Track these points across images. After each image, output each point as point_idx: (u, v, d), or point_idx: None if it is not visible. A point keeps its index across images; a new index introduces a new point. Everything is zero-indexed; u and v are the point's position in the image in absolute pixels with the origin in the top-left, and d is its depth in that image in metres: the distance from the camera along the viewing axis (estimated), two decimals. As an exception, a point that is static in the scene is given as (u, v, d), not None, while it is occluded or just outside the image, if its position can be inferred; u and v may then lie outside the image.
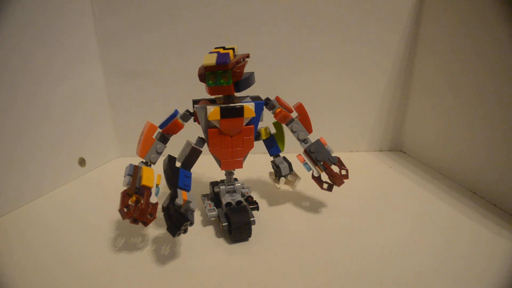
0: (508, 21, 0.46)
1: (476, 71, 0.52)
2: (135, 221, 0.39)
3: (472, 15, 0.52)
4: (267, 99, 0.45)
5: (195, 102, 0.43)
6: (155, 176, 0.41)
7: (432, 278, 0.36)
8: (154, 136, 0.42)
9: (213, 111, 0.40)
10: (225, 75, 0.39)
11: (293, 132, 0.46)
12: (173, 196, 0.38)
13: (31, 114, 0.53)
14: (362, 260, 0.39)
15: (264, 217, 0.48)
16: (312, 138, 0.47)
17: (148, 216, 0.39)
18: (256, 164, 0.59)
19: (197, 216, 0.49)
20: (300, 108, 0.46)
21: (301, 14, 0.63)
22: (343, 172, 0.47)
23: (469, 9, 0.52)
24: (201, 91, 0.42)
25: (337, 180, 0.46)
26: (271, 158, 0.50)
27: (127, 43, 0.63)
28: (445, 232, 0.44)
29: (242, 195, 0.48)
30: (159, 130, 0.42)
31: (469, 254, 0.40)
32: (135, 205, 0.39)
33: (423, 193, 0.55)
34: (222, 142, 0.42)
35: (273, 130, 0.48)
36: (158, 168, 0.42)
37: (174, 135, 0.43)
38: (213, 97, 0.43)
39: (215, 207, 0.46)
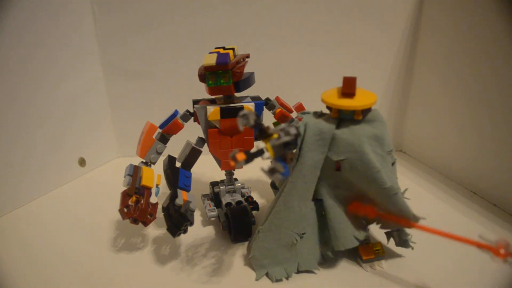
0: (504, 27, 0.46)
1: (475, 71, 0.52)
2: (135, 221, 0.39)
3: (470, 21, 0.52)
4: (267, 99, 0.45)
5: (195, 102, 0.43)
6: (155, 176, 0.41)
7: (431, 278, 0.36)
8: (154, 136, 0.42)
9: (213, 111, 0.40)
10: (225, 75, 0.39)
11: (293, 132, 0.46)
12: (173, 196, 0.38)
13: (31, 114, 0.53)
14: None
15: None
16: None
17: (148, 216, 0.39)
18: (256, 164, 0.59)
19: (197, 216, 0.49)
20: (300, 108, 0.46)
21: (301, 15, 0.63)
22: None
23: (467, 15, 0.52)
24: (201, 91, 0.42)
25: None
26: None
27: (127, 43, 0.63)
28: (445, 232, 0.44)
29: (242, 195, 0.48)
30: (159, 130, 0.42)
31: (468, 254, 0.40)
32: (135, 205, 0.39)
33: (423, 193, 0.55)
34: (222, 142, 0.42)
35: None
36: (158, 168, 0.42)
37: (174, 135, 0.43)
38: (213, 97, 0.43)
39: (215, 207, 0.46)
